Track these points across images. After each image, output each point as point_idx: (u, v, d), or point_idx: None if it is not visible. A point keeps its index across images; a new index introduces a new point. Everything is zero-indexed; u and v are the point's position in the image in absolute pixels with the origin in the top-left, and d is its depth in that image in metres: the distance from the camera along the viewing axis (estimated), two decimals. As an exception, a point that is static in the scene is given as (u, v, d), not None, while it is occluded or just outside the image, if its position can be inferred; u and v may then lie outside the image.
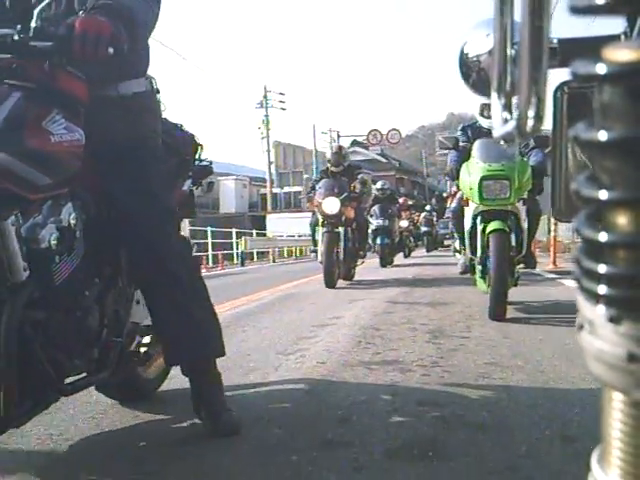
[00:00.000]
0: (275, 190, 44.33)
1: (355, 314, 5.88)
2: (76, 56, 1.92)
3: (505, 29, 0.63)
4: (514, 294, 5.68)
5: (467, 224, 5.53)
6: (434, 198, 30.91)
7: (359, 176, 10.00)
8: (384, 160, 52.25)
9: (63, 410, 2.75)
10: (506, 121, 0.62)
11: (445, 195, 12.29)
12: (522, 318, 5.21)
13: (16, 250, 1.83)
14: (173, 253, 2.37)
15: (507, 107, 0.63)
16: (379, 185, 15.76)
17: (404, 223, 19.84)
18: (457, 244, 6.93)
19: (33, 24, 1.95)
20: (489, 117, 5.84)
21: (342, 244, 8.92)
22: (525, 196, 5.43)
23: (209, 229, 20.24)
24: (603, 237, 0.46)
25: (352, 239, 9.41)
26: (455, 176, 6.09)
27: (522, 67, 0.56)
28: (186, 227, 9.69)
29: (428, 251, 25.89)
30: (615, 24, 0.79)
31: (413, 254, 22.45)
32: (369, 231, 12.59)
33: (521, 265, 5.76)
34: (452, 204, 6.56)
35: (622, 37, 0.85)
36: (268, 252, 24.58)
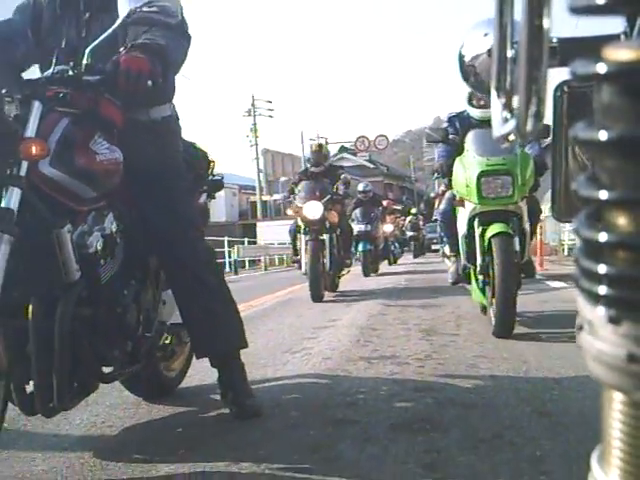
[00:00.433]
0: (265, 198, 44.64)
1: (352, 317, 6.26)
2: (121, 89, 2.27)
3: (505, 28, 0.62)
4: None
5: (462, 227, 4.85)
6: (422, 203, 30.94)
7: (342, 176, 8.98)
8: (372, 166, 52.68)
9: (99, 403, 3.09)
10: (506, 120, 0.62)
11: (433, 196, 11.87)
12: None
13: (71, 254, 2.19)
14: (199, 259, 2.73)
15: (507, 106, 0.62)
16: (361, 187, 14.76)
17: (388, 228, 18.18)
18: (447, 249, 6.09)
19: (85, 61, 2.31)
20: (479, 105, 5.24)
21: (327, 253, 8.16)
22: (527, 194, 4.69)
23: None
24: (603, 237, 0.46)
25: (337, 247, 8.64)
26: (445, 173, 5.33)
27: (522, 66, 0.55)
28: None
29: (415, 257, 24.72)
30: (615, 24, 0.81)
31: (399, 261, 21.16)
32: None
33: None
34: (441, 205, 5.76)
35: (622, 37, 0.86)
36: (260, 260, 24.84)
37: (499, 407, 2.75)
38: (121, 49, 2.35)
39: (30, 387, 2.16)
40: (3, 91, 2.05)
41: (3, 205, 1.97)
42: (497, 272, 4.27)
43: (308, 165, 9.07)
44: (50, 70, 2.27)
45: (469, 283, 5.23)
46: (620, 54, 0.44)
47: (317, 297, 7.79)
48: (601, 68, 0.45)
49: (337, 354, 4.16)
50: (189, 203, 2.92)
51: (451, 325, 5.27)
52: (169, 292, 2.87)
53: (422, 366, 3.65)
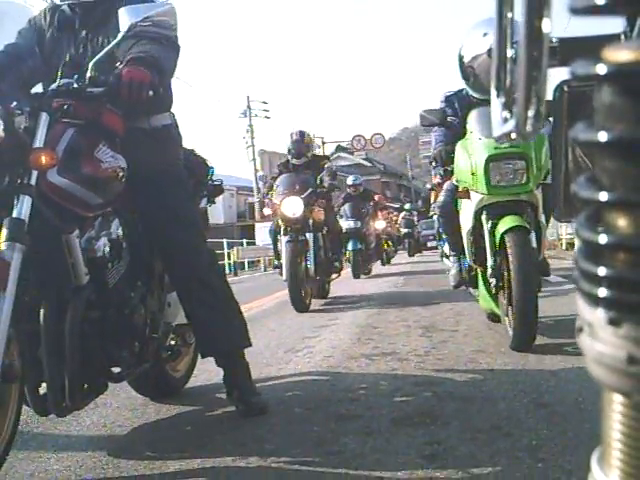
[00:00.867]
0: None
1: (353, 314, 6.35)
2: (124, 99, 2.36)
3: (505, 28, 0.61)
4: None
5: (466, 222, 4.14)
6: (420, 200, 30.28)
7: (326, 166, 7.75)
8: (369, 164, 52.75)
9: (108, 404, 3.17)
10: (506, 120, 0.61)
11: (429, 187, 9.77)
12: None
13: (80, 258, 2.28)
14: (202, 262, 2.81)
15: (507, 106, 0.62)
16: (350, 180, 13.37)
17: (380, 224, 16.29)
18: (446, 248, 5.42)
19: (88, 74, 2.39)
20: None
21: (311, 255, 7.07)
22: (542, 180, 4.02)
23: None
24: (603, 239, 0.46)
25: (324, 247, 7.55)
26: (445, 160, 4.64)
27: (522, 66, 0.55)
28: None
29: (410, 256, 23.05)
30: (614, 24, 0.79)
31: (393, 260, 19.58)
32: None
33: None
34: (439, 197, 5.04)
35: (622, 37, 0.86)
36: (259, 261, 24.85)
37: (497, 399, 2.82)
38: (117, 63, 2.43)
39: (43, 389, 2.24)
40: (13, 104, 2.14)
41: (15, 215, 2.05)
42: (514, 274, 3.63)
43: (289, 157, 7.89)
44: (55, 83, 2.35)
45: (475, 287, 4.50)
46: (620, 55, 0.43)
47: (300, 307, 6.74)
48: (601, 69, 0.44)
49: (339, 352, 4.25)
50: (191, 208, 3.00)
51: (450, 321, 5.35)
52: (174, 294, 2.95)
53: (422, 362, 3.73)
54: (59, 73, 2.43)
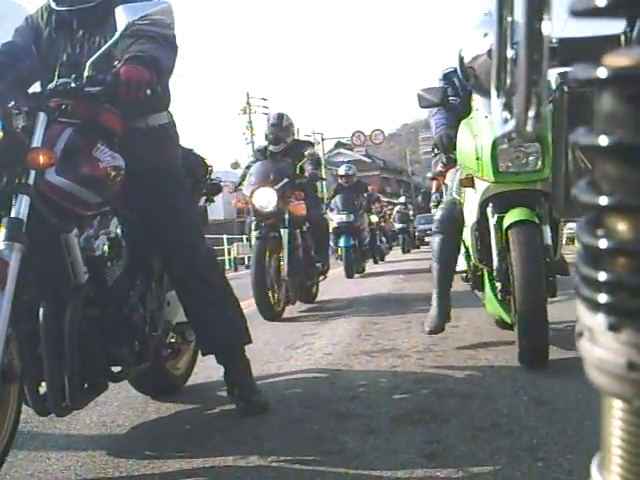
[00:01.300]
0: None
1: (354, 310, 6.35)
2: (121, 98, 2.35)
3: (505, 28, 0.61)
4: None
5: (470, 215, 3.61)
6: (420, 196, 29.87)
7: (307, 152, 6.73)
8: (369, 160, 52.80)
9: (108, 403, 3.17)
10: (506, 121, 0.60)
11: (430, 176, 8.74)
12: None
13: (79, 257, 2.28)
14: (201, 260, 2.81)
15: (507, 106, 0.61)
16: (342, 170, 12.39)
17: (375, 218, 15.20)
18: (434, 274, 4.15)
19: (86, 73, 2.39)
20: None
21: (285, 254, 6.09)
22: None
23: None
24: (603, 244, 0.45)
25: (304, 246, 6.60)
26: (448, 145, 3.99)
27: (521, 67, 0.54)
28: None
29: (404, 252, 21.49)
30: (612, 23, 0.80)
31: (387, 258, 17.98)
32: (330, 230, 9.19)
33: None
34: (437, 212, 4.22)
35: (622, 37, 0.85)
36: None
37: (497, 397, 2.82)
38: (115, 62, 2.43)
39: (42, 388, 2.24)
40: (11, 104, 2.13)
41: (13, 215, 2.05)
42: (517, 277, 3.11)
43: (266, 142, 6.92)
44: (53, 83, 2.34)
45: (480, 289, 3.97)
46: (621, 60, 0.43)
47: (267, 314, 5.84)
48: (602, 73, 0.44)
49: (339, 349, 4.25)
50: (189, 206, 3.00)
51: (450, 318, 5.33)
52: (173, 293, 2.96)
53: (422, 358, 3.73)
54: (57, 72, 2.43)
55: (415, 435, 2.40)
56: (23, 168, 2.11)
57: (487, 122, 3.37)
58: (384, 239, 17.77)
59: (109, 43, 2.41)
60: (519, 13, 0.55)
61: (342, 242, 11.05)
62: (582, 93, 0.88)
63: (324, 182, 15.91)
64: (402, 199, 26.98)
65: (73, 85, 2.35)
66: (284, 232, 6.14)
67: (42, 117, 2.18)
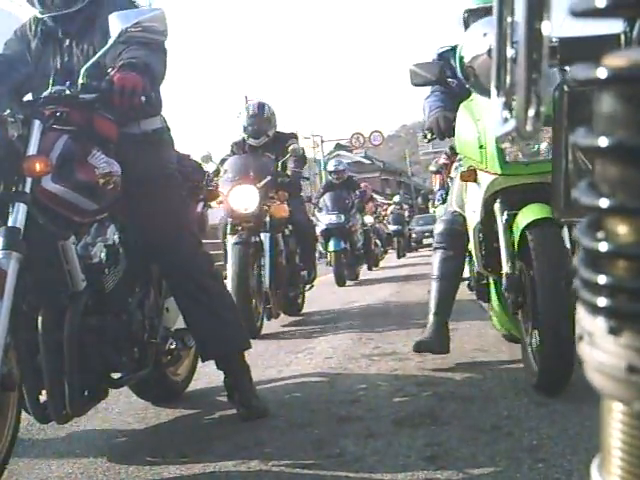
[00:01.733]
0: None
1: (354, 313, 6.35)
2: (116, 105, 2.36)
3: (505, 28, 0.61)
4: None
5: (473, 214, 3.11)
6: (420, 197, 29.29)
7: (291, 147, 5.74)
8: (368, 162, 52.78)
9: (109, 409, 3.17)
10: (506, 120, 0.60)
11: (432, 170, 7.80)
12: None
13: (76, 264, 2.28)
14: (198, 266, 2.81)
15: (507, 106, 0.61)
16: (332, 166, 11.29)
17: (368, 219, 13.53)
18: (432, 298, 3.60)
19: (80, 80, 2.39)
20: None
21: (267, 261, 5.30)
22: None
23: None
24: (603, 247, 0.45)
25: (287, 252, 5.84)
26: (445, 130, 3.39)
27: (521, 67, 0.54)
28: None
29: (399, 257, 18.65)
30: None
31: (382, 263, 15.88)
32: (318, 232, 8.49)
33: None
34: (436, 226, 3.74)
35: (622, 37, 0.85)
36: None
37: (498, 399, 2.82)
38: (109, 69, 2.43)
39: (43, 396, 2.23)
40: (6, 112, 2.14)
41: (10, 223, 2.05)
42: (540, 287, 2.64)
43: (244, 136, 6.02)
44: (47, 91, 2.35)
45: (485, 300, 3.54)
46: (621, 60, 0.43)
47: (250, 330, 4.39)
48: (602, 73, 0.43)
49: (339, 353, 4.24)
50: (185, 211, 3.00)
51: (450, 320, 5.32)
52: (171, 299, 2.96)
53: (422, 361, 3.72)
54: (50, 81, 2.43)
55: (416, 438, 2.39)
56: (19, 176, 2.11)
57: (491, 104, 2.88)
58: (379, 242, 15.79)
59: (103, 50, 2.42)
60: (519, 13, 0.54)
61: (332, 246, 9.77)
62: (582, 92, 0.85)
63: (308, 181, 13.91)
64: (396, 198, 24.60)
65: (68, 92, 2.36)
66: (265, 237, 5.33)
67: (37, 125, 2.19)
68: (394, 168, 64.18)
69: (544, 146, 2.79)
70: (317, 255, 7.53)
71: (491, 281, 3.25)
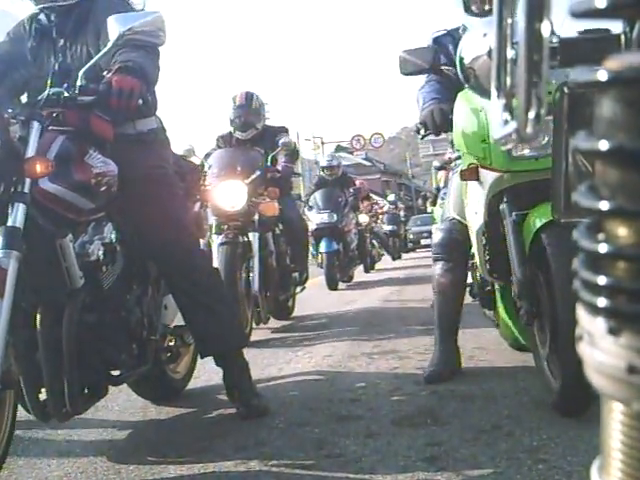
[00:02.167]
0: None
1: (349, 317, 6.35)
2: (113, 107, 2.37)
3: (505, 29, 0.60)
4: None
5: (476, 215, 2.85)
6: (420, 199, 29.37)
7: (281, 141, 5.34)
8: (369, 164, 52.72)
9: (109, 408, 3.16)
10: (506, 122, 0.59)
11: (437, 167, 7.25)
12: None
13: (74, 261, 2.28)
14: (195, 263, 2.82)
15: (507, 108, 0.60)
16: (325, 161, 10.45)
17: (363, 218, 12.56)
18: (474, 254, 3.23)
19: (79, 82, 2.39)
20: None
21: (256, 263, 4.92)
22: None
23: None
24: (603, 248, 0.45)
25: (278, 252, 5.50)
26: (441, 124, 3.07)
27: (521, 69, 0.54)
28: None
29: (394, 259, 17.31)
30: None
31: (377, 265, 14.79)
32: (309, 232, 7.73)
33: None
34: (434, 235, 3.64)
35: (622, 37, 0.84)
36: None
37: (498, 398, 2.82)
38: (104, 72, 2.44)
39: (43, 394, 2.24)
40: (9, 111, 2.15)
41: (10, 223, 2.06)
42: (559, 295, 2.37)
43: (231, 129, 5.65)
44: (46, 92, 2.36)
45: (490, 308, 3.28)
46: (622, 63, 0.43)
47: None
48: (602, 76, 0.43)
49: (339, 351, 4.24)
50: (182, 210, 3.00)
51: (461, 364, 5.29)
52: (170, 297, 2.97)
53: (422, 360, 3.72)
54: (48, 82, 2.44)
55: (416, 438, 2.39)
56: (18, 177, 2.11)
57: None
58: (375, 243, 14.66)
59: (101, 53, 2.43)
60: (519, 13, 0.54)
61: (323, 247, 8.98)
62: (583, 94, 0.87)
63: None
64: (391, 197, 22.89)
65: (66, 95, 2.36)
66: (254, 236, 4.95)
67: (36, 126, 2.20)
68: (394, 170, 64.12)
69: None
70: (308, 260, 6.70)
71: (497, 288, 3.00)
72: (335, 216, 9.17)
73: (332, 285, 8.85)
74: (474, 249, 2.98)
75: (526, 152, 2.55)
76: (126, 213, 2.68)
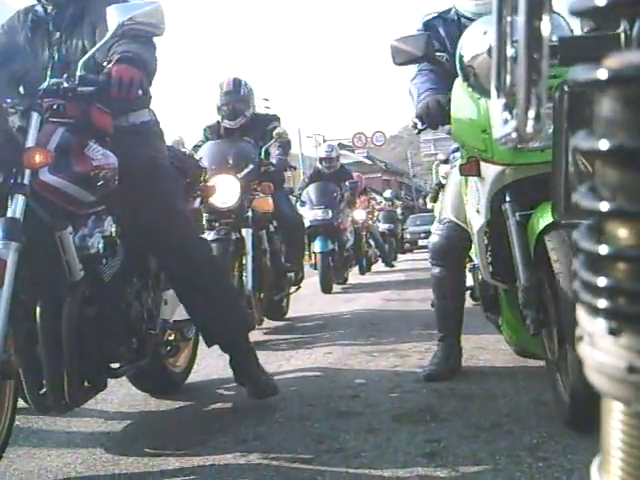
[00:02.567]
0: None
1: (346, 318, 6.35)
2: (113, 98, 2.37)
3: (504, 27, 0.60)
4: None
5: (476, 215, 2.70)
6: (421, 198, 29.01)
7: (275, 132, 5.04)
8: (370, 162, 52.62)
9: (108, 400, 3.16)
10: (506, 122, 0.59)
11: (442, 159, 7.03)
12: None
13: (74, 254, 2.28)
14: (195, 253, 2.83)
15: (507, 107, 0.60)
16: (323, 152, 9.55)
17: (360, 215, 11.28)
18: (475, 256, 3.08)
19: (78, 73, 2.40)
20: None
21: (249, 261, 4.66)
22: None
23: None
24: (603, 250, 0.45)
25: (272, 250, 5.25)
26: (437, 116, 2.88)
27: (521, 68, 0.54)
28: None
29: (388, 264, 13.85)
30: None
31: (374, 267, 13.33)
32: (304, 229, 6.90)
33: None
34: (430, 237, 3.42)
35: (622, 36, 0.83)
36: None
37: (498, 396, 2.82)
38: (104, 62, 2.45)
39: (42, 386, 2.24)
40: (7, 101, 2.15)
41: (9, 214, 2.06)
42: (564, 303, 2.19)
43: (219, 118, 5.34)
44: (45, 83, 2.36)
45: (494, 312, 3.10)
46: (622, 61, 0.42)
47: None
48: (602, 75, 0.42)
49: (339, 348, 4.25)
50: (180, 200, 3.01)
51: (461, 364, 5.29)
52: (170, 292, 2.98)
53: (422, 358, 3.72)
54: (48, 73, 2.45)
55: (416, 434, 2.40)
56: (18, 168, 2.12)
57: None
58: (372, 243, 13.27)
59: (101, 42, 2.43)
60: (519, 11, 0.54)
61: (317, 246, 8.23)
62: (582, 93, 0.84)
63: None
64: (387, 193, 20.87)
65: (66, 85, 2.36)
66: (247, 233, 4.70)
67: (35, 117, 2.20)
68: (396, 169, 64.05)
69: None
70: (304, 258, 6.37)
71: (501, 291, 2.84)
72: (330, 212, 8.39)
73: (326, 288, 8.21)
74: (475, 250, 2.85)
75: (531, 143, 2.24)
76: (123, 205, 2.69)
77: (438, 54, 2.96)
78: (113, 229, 2.56)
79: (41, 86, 2.36)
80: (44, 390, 2.23)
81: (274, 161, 5.12)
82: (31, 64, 2.72)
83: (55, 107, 2.35)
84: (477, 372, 3.31)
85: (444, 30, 3.15)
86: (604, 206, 0.45)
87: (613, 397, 0.46)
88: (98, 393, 2.53)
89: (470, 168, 2.63)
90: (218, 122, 5.32)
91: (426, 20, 3.23)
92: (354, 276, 10.56)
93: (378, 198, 19.03)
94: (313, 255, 8.50)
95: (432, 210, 10.85)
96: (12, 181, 2.10)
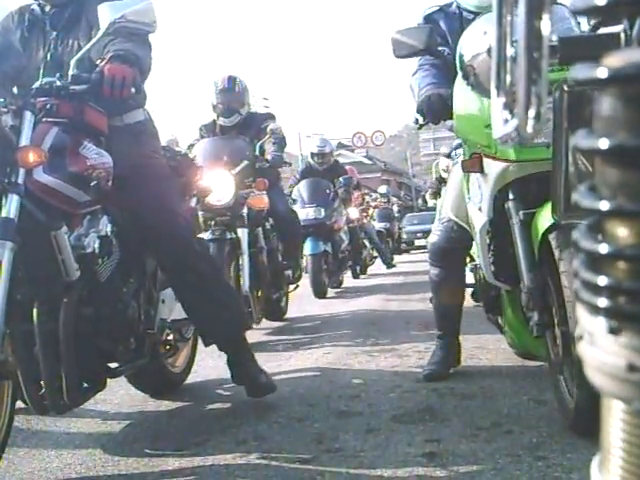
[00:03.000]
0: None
1: (352, 310, 6.35)
2: (106, 96, 2.37)
3: (504, 26, 0.60)
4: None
5: (478, 213, 2.64)
6: (420, 198, 28.84)
7: (269, 128, 5.07)
8: (370, 162, 52.62)
9: (108, 401, 3.16)
10: (506, 121, 0.59)
11: (445, 154, 6.75)
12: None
13: (70, 254, 2.28)
14: (192, 251, 2.82)
15: (507, 106, 0.60)
16: (316, 147, 8.85)
17: (354, 212, 10.42)
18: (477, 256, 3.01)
19: (71, 71, 2.40)
20: None
21: (245, 260, 4.62)
22: None
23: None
24: (603, 249, 0.45)
25: (269, 248, 5.20)
26: (439, 110, 2.83)
27: (521, 68, 0.54)
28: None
29: (389, 266, 12.72)
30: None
31: (370, 269, 12.46)
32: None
33: None
34: (430, 237, 3.36)
35: (622, 35, 0.83)
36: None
37: (497, 396, 2.82)
38: (97, 61, 2.45)
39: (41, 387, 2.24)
40: (0, 101, 2.15)
41: (4, 214, 2.06)
42: (569, 304, 2.12)
43: (215, 116, 5.31)
44: (38, 82, 2.36)
45: (495, 313, 3.10)
46: (622, 60, 0.42)
47: None
48: (602, 73, 0.43)
49: (339, 348, 4.25)
50: (174, 197, 3.00)
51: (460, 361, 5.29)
52: (168, 291, 2.99)
53: (422, 358, 3.72)
54: (41, 72, 2.44)
55: (415, 434, 2.39)
56: (12, 167, 2.11)
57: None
58: (367, 243, 12.32)
59: (93, 41, 2.43)
60: (519, 11, 0.54)
61: (309, 248, 7.60)
62: (582, 92, 0.85)
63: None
64: (382, 189, 19.89)
65: (58, 84, 2.36)
66: (243, 232, 4.64)
67: (29, 116, 2.19)
68: (395, 169, 64.01)
69: None
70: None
71: (503, 292, 2.78)
72: (322, 211, 7.85)
73: (319, 293, 7.64)
74: (477, 250, 2.76)
75: (536, 139, 2.19)
76: (119, 205, 2.69)
77: (440, 48, 2.93)
78: (109, 229, 2.56)
79: (34, 85, 2.36)
80: (43, 391, 2.23)
81: (269, 157, 5.10)
82: (25, 64, 2.71)
83: (48, 107, 2.34)
84: (477, 372, 3.32)
85: (445, 24, 3.11)
86: (604, 205, 0.45)
87: (613, 396, 0.47)
88: (97, 393, 2.53)
89: (472, 164, 2.57)
90: (214, 120, 5.29)
91: (427, 14, 3.18)
92: (347, 279, 10.09)
93: (373, 194, 18.38)
94: (305, 258, 7.73)
95: (433, 208, 10.43)
96: (6, 181, 2.10)
